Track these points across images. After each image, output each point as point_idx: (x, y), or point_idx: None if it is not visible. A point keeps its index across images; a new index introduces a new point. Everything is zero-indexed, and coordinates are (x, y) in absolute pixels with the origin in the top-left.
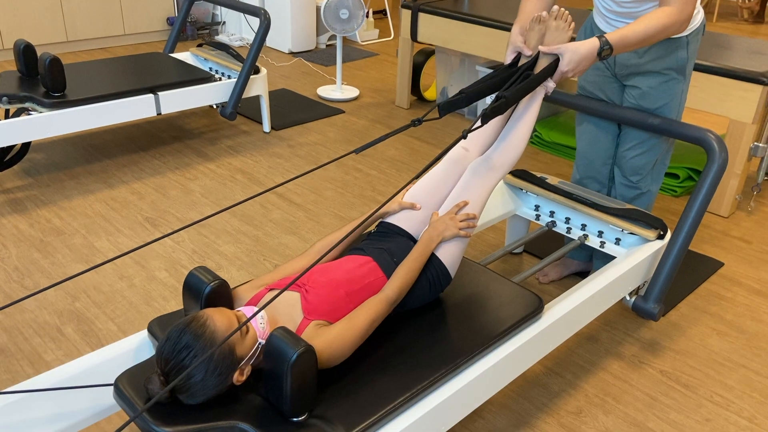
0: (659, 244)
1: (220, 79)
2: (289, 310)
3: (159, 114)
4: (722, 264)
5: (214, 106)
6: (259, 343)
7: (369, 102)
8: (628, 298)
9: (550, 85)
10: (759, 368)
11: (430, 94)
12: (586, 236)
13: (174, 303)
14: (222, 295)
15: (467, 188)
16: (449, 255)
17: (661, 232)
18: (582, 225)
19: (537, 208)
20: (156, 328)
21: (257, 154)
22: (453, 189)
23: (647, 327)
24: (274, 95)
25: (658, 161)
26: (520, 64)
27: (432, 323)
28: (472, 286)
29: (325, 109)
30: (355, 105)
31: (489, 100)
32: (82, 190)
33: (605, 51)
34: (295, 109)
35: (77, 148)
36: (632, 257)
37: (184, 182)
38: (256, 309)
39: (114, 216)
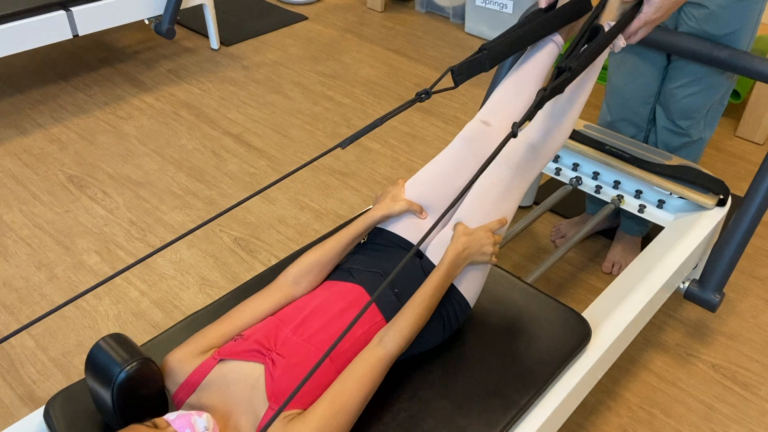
0: (720, 213)
1: None
2: (248, 392)
3: (75, 36)
4: None
5: (147, 21)
6: None
7: (335, 4)
8: (681, 285)
9: (620, 43)
10: None
11: None
12: (620, 197)
13: (108, 302)
14: (144, 379)
15: (502, 183)
16: (472, 282)
17: (722, 197)
18: (614, 182)
19: (557, 159)
20: (57, 411)
21: (205, 80)
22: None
23: (689, 304)
24: (221, 1)
25: (715, 103)
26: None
27: (446, 365)
28: (497, 305)
29: (285, 16)
30: (320, 8)
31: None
32: None
33: None
34: (248, 17)
35: None
36: (689, 237)
37: (116, 123)
38: (192, 414)
39: (28, 175)
